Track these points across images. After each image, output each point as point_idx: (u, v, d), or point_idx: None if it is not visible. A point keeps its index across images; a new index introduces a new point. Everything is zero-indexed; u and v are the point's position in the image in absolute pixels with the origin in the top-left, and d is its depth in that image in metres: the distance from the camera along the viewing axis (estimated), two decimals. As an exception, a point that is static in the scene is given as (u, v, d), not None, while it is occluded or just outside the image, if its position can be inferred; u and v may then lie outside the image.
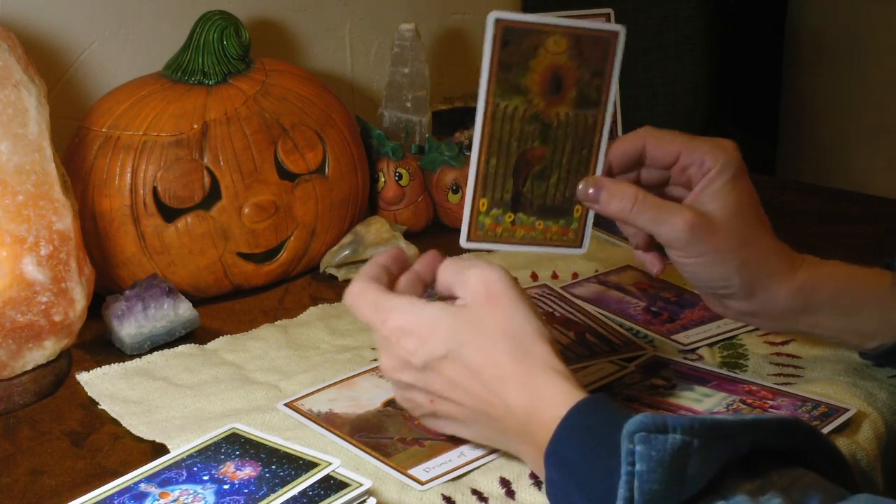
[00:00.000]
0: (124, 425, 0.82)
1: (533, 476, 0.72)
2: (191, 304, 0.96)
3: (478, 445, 0.75)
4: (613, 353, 0.88)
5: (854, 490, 0.59)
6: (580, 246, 0.80)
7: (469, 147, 1.28)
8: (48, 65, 1.10)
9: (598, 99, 0.75)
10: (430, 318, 0.70)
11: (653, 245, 0.80)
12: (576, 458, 0.62)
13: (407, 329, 0.70)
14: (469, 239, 0.76)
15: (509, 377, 0.68)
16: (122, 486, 0.69)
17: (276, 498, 0.67)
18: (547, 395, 0.66)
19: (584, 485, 0.61)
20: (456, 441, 0.76)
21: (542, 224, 0.78)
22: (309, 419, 0.80)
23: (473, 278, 0.71)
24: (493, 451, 0.74)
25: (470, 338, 0.69)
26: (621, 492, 0.56)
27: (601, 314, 0.96)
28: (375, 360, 0.90)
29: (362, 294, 0.73)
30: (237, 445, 0.73)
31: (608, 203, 0.76)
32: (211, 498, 0.67)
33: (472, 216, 0.76)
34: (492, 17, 0.71)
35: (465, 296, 0.71)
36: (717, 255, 0.77)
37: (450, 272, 0.73)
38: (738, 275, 0.77)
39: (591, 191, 0.76)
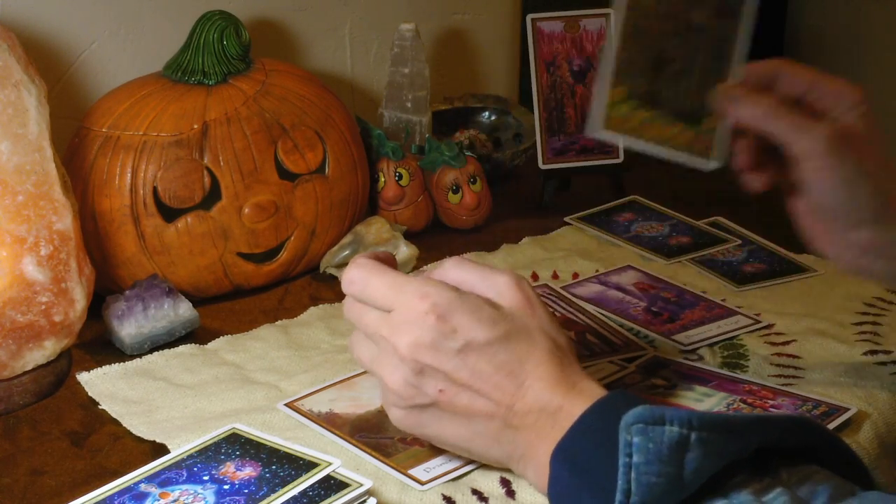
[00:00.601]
0: (124, 425, 0.82)
1: (533, 476, 0.72)
2: (191, 304, 0.96)
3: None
4: (614, 353, 0.88)
5: (870, 488, 0.59)
6: (709, 157, 0.76)
7: (470, 146, 1.28)
8: (48, 65, 1.10)
9: (738, 10, 0.73)
10: (476, 305, 0.68)
11: (758, 164, 0.77)
12: (585, 454, 0.62)
13: (452, 309, 0.67)
14: (604, 126, 0.74)
15: (549, 376, 0.67)
16: (122, 487, 0.69)
17: (277, 498, 0.67)
18: (585, 393, 0.66)
19: (590, 480, 0.60)
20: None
21: (678, 128, 0.75)
22: (309, 419, 0.80)
23: (506, 283, 0.70)
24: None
25: (515, 333, 0.68)
26: (619, 483, 0.56)
27: (601, 314, 0.96)
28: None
29: (376, 272, 0.70)
30: (237, 445, 0.73)
31: (743, 107, 0.73)
32: (211, 498, 0.67)
33: (605, 104, 0.74)
34: None
35: (494, 297, 0.70)
36: (853, 172, 0.73)
37: (468, 272, 0.72)
38: (873, 199, 0.73)
39: (726, 95, 0.74)
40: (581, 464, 0.61)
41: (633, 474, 0.56)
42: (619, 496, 0.56)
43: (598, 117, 0.75)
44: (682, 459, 0.56)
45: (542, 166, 1.25)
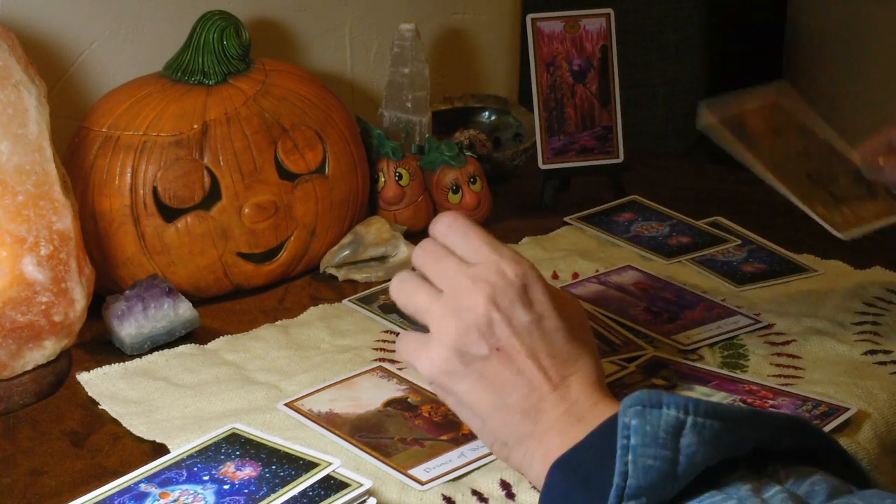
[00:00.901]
0: (124, 425, 0.82)
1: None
2: (191, 304, 0.96)
3: (477, 446, 0.75)
4: (614, 353, 0.89)
5: (867, 489, 0.59)
6: None
7: (470, 147, 1.28)
8: (48, 65, 1.10)
9: (809, 129, 0.97)
10: (557, 294, 0.71)
11: None
12: (585, 466, 0.62)
13: (537, 285, 0.69)
14: (841, 232, 0.90)
15: (592, 380, 0.69)
16: (122, 487, 0.69)
17: (277, 498, 0.67)
18: (611, 407, 0.68)
19: (587, 486, 0.60)
20: (456, 442, 0.76)
21: (875, 203, 0.91)
22: (309, 419, 0.80)
23: (571, 299, 0.74)
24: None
25: (577, 334, 0.71)
26: (617, 466, 0.57)
27: (601, 314, 0.96)
28: (376, 360, 0.90)
29: (477, 226, 0.72)
30: (237, 445, 0.73)
31: (892, 174, 0.90)
32: (211, 498, 0.67)
33: (827, 219, 0.90)
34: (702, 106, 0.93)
35: None
36: None
37: None
38: None
39: (872, 170, 0.91)
40: (580, 473, 0.61)
41: (629, 456, 0.56)
42: (616, 479, 0.56)
43: (833, 229, 0.90)
44: (677, 444, 0.56)
45: (542, 166, 1.25)
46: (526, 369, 0.68)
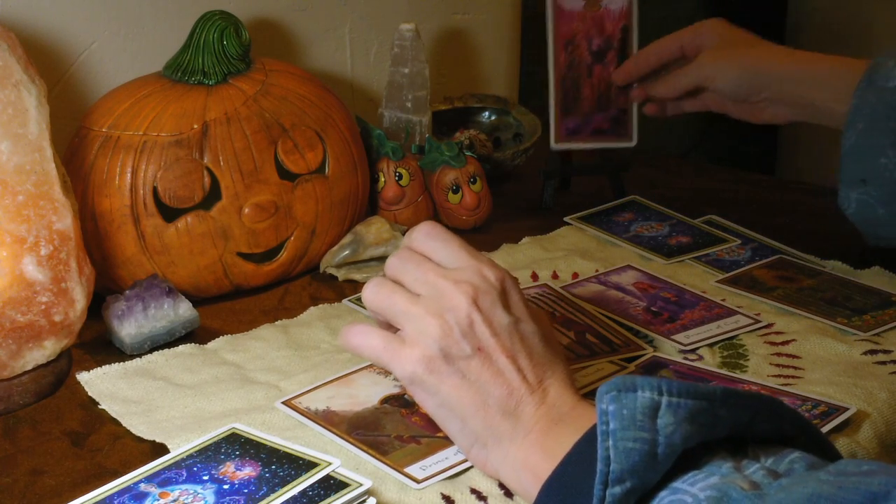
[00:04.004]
0: (124, 425, 0.82)
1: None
2: (191, 304, 0.96)
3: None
4: (613, 353, 0.89)
5: None
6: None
7: (470, 146, 1.28)
8: (48, 65, 1.10)
9: (818, 271, 1.09)
10: (530, 304, 0.74)
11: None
12: (575, 482, 0.62)
13: (515, 291, 0.72)
14: (867, 331, 0.94)
15: (568, 385, 0.71)
16: (122, 486, 0.69)
17: (276, 498, 0.67)
18: (586, 413, 0.69)
19: (582, 493, 0.61)
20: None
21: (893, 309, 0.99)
22: (307, 417, 0.80)
23: (540, 312, 0.76)
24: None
25: (552, 342, 0.73)
26: (599, 452, 0.57)
27: (601, 314, 0.96)
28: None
29: (456, 235, 0.75)
30: (237, 445, 0.73)
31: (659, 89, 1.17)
32: (211, 498, 0.67)
33: (849, 325, 0.96)
34: None
35: None
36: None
37: None
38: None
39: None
40: (571, 488, 0.62)
41: (610, 441, 0.57)
42: (599, 465, 0.57)
43: (857, 331, 0.94)
44: (655, 425, 0.57)
45: (554, 146, 1.23)
46: (505, 370, 0.70)
